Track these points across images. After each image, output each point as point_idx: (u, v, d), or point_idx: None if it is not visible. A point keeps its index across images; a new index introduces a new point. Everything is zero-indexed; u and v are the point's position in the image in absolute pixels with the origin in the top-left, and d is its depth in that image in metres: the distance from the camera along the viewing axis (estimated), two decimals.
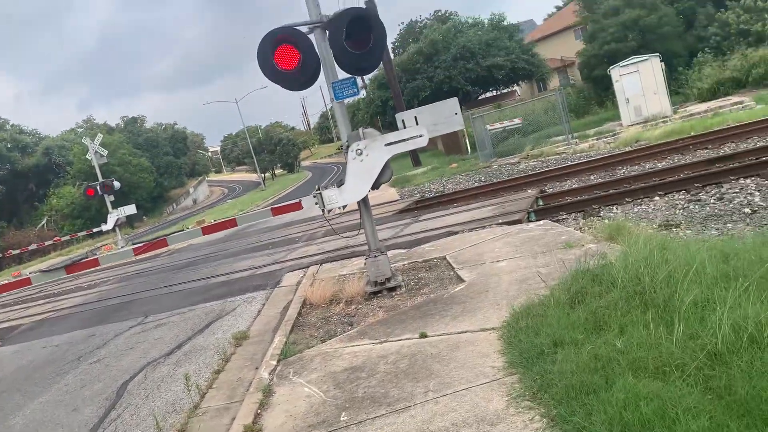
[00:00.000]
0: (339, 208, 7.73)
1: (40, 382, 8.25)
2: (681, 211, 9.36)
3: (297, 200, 8.42)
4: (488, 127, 26.95)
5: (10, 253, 39.67)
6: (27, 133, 67.04)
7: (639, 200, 10.62)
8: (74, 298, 16.39)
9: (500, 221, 10.98)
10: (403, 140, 7.39)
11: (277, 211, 8.96)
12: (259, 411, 4.98)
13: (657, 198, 10.48)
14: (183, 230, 9.18)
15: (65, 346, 10.28)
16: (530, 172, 17.80)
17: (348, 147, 7.45)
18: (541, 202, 12.67)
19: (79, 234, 42.00)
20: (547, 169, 17.29)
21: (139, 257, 24.54)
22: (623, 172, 14.22)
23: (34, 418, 6.73)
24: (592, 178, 14.64)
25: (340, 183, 7.55)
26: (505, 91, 54.26)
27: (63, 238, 41.49)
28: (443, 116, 7.60)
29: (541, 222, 10.06)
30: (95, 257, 9.09)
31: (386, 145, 7.36)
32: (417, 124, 7.45)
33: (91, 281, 19.81)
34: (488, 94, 53.63)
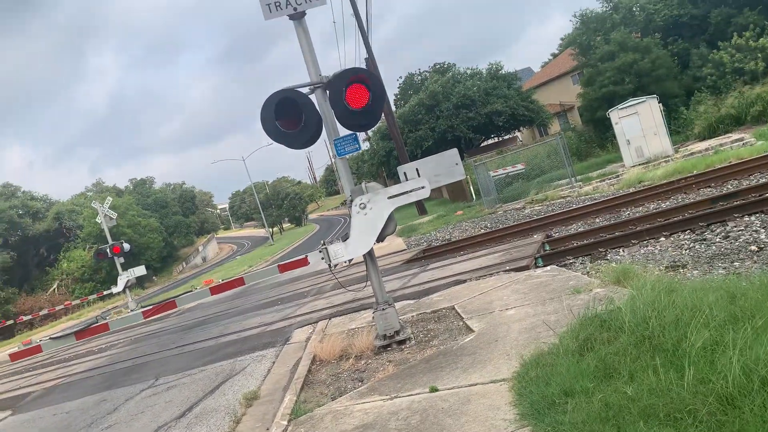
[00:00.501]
0: (345, 262, 7.78)
1: None
2: (687, 251, 9.35)
3: (303, 256, 8.47)
4: (491, 173, 27.19)
5: (21, 319, 39.69)
6: (38, 199, 68.01)
7: (645, 241, 10.62)
8: (85, 363, 16.32)
9: (508, 268, 10.97)
10: (406, 192, 7.50)
11: (283, 268, 8.99)
12: None
13: (663, 239, 10.47)
14: (191, 290, 9.21)
15: (76, 413, 10.20)
16: (535, 217, 17.85)
17: (352, 201, 7.55)
18: (548, 247, 12.67)
19: (90, 297, 42.07)
20: (552, 213, 17.35)
21: (149, 318, 24.46)
22: (628, 214, 14.24)
23: None
24: (597, 220, 14.66)
25: (345, 237, 7.62)
26: (506, 137, 54.85)
27: (74, 302, 41.56)
28: (444, 167, 7.72)
29: (549, 267, 10.05)
30: (105, 322, 9.10)
31: (389, 198, 7.46)
32: (419, 175, 7.56)
33: (101, 345, 19.76)
34: (490, 141, 54.20)
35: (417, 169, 7.62)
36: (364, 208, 7.45)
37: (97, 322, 8.64)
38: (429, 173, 7.61)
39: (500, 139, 54.49)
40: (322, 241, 7.87)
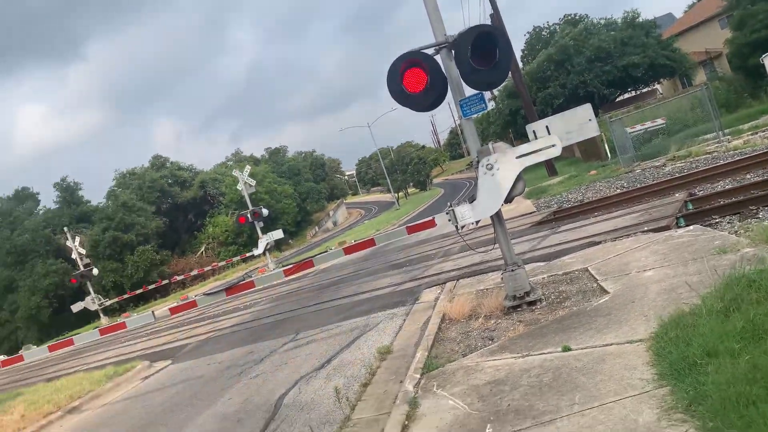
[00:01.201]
0: (472, 224, 7.81)
1: (208, 397, 9.06)
2: None
3: (431, 218, 8.61)
4: (628, 129, 25.65)
5: (175, 279, 43.69)
6: (184, 169, 73.77)
7: None
8: (232, 319, 17.75)
9: (646, 229, 10.46)
10: (535, 151, 7.35)
11: (411, 230, 9.21)
12: (406, 422, 5.17)
13: None
14: (326, 251, 9.72)
15: (227, 363, 11.19)
16: (677, 175, 16.72)
17: (478, 162, 7.53)
18: (690, 206, 11.88)
19: (234, 259, 45.35)
20: (696, 171, 16.16)
21: (288, 278, 26.02)
22: None
23: (204, 430, 7.42)
24: (748, 176, 13.47)
25: (471, 199, 7.64)
26: (645, 90, 51.34)
27: (220, 264, 45.00)
28: (576, 124, 7.45)
29: (691, 227, 9.45)
30: (251, 279, 9.87)
31: (517, 157, 7.35)
32: (549, 133, 7.37)
33: (246, 302, 21.33)
34: (626, 95, 51.04)
35: (547, 127, 7.42)
36: (491, 168, 7.41)
37: (243, 280, 9.37)
38: (560, 131, 7.38)
39: (638, 92, 51.12)
40: (449, 203, 7.95)
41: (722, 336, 4.15)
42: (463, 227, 7.82)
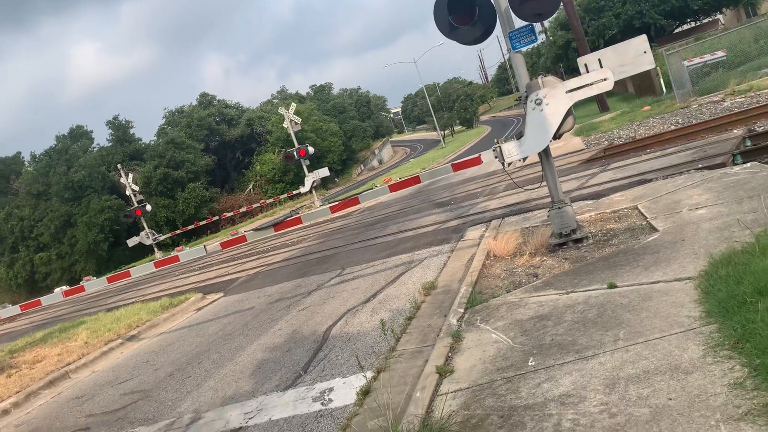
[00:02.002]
0: (519, 160, 7.71)
1: (258, 327, 9.44)
2: None
3: (476, 155, 8.53)
4: (685, 62, 24.43)
5: (225, 215, 44.84)
6: (231, 107, 74.27)
7: None
8: (281, 254, 18.21)
9: (700, 166, 10.14)
10: (586, 85, 7.12)
11: (457, 167, 9.15)
12: (449, 354, 5.30)
13: None
14: (372, 189, 9.78)
15: (276, 296, 11.57)
16: (736, 110, 15.98)
17: (527, 97, 7.36)
18: (749, 143, 11.41)
19: (281, 197, 46.10)
20: (757, 105, 15.39)
21: (334, 215, 26.40)
22: None
23: (255, 358, 7.77)
24: None
25: (519, 135, 7.51)
26: (705, 21, 48.49)
27: (267, 201, 45.87)
28: (630, 56, 7.15)
29: (749, 164, 9.10)
30: (298, 216, 10.08)
31: (567, 92, 7.15)
32: (601, 67, 7.12)
33: (294, 239, 21.79)
34: (685, 26, 48.38)
35: (599, 60, 7.16)
36: (540, 104, 7.24)
37: (291, 216, 9.54)
38: (612, 64, 7.11)
39: (698, 23, 48.35)
40: (495, 140, 7.84)
41: None
42: (509, 164, 7.74)
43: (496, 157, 7.73)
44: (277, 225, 9.75)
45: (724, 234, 5.91)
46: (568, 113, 7.31)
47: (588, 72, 7.15)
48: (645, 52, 7.09)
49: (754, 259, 4.47)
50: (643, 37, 7.21)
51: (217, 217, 44.34)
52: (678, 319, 4.38)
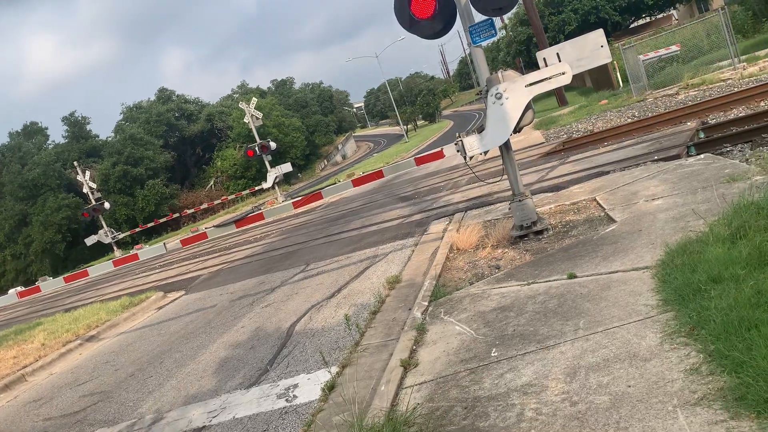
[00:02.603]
0: (481, 154, 7.77)
1: (221, 325, 9.32)
2: None
3: (439, 149, 8.56)
4: (641, 57, 24.96)
5: (185, 213, 44.10)
6: (191, 102, 73.01)
7: None
8: (243, 251, 18.01)
9: (656, 158, 10.38)
10: (545, 79, 7.21)
11: (420, 161, 9.18)
12: (414, 347, 5.32)
13: None
14: (335, 183, 9.74)
15: (239, 293, 11.44)
16: (690, 103, 16.40)
17: (487, 91, 7.42)
18: (702, 135, 11.72)
19: (243, 193, 45.58)
20: (709, 99, 15.82)
21: (297, 211, 26.23)
22: None
23: (218, 356, 7.67)
24: (762, 104, 13.20)
25: (480, 129, 7.57)
26: (659, 16, 49.73)
27: (229, 197, 45.29)
28: (587, 50, 7.26)
29: (702, 156, 9.36)
30: (260, 211, 9.97)
31: (527, 86, 7.23)
32: (559, 60, 7.21)
33: (256, 235, 21.57)
34: (641, 22, 49.48)
35: (558, 54, 7.25)
36: (500, 97, 7.30)
37: (253, 213, 9.44)
38: (570, 58, 7.21)
39: (652, 18, 49.54)
40: (457, 134, 7.88)
41: (728, 262, 4.17)
42: (471, 158, 7.79)
43: (458, 151, 7.78)
44: (239, 221, 9.64)
45: (679, 224, 6.06)
46: (528, 107, 7.39)
47: (547, 66, 7.24)
48: (602, 46, 7.21)
49: (708, 248, 4.59)
50: (600, 32, 7.33)
51: (177, 214, 43.61)
52: (636, 307, 4.48)
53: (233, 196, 45.45)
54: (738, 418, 2.86)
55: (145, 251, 11.73)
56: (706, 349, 3.50)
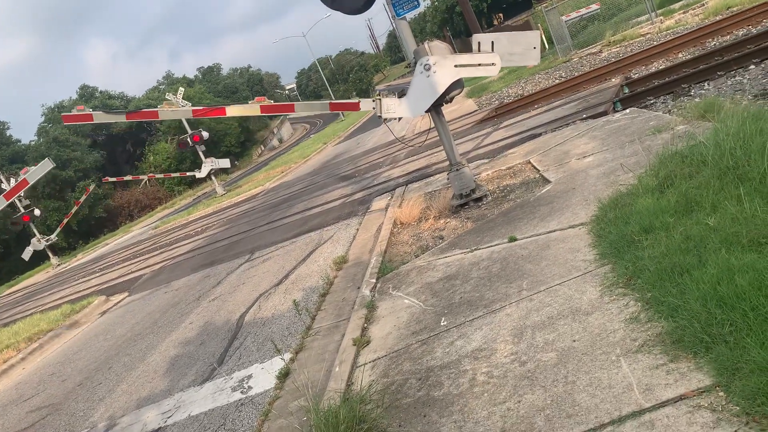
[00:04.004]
0: (395, 119, 7.78)
1: (168, 323, 9.11)
2: None
3: (357, 101, 8.43)
4: (563, 18, 25.47)
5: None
6: (115, 97, 70.26)
7: (732, 72, 9.92)
8: (186, 245, 17.60)
9: (584, 116, 10.64)
10: (474, 65, 7.27)
11: (334, 107, 9.25)
12: (365, 325, 5.33)
13: (752, 66, 9.73)
14: (244, 104, 9.61)
15: (184, 289, 11.20)
16: (613, 60, 16.85)
17: (416, 62, 7.41)
18: (626, 90, 12.09)
19: (173, 174, 44.19)
20: (631, 54, 16.31)
21: (238, 199, 25.80)
22: (714, 44, 13.20)
23: (168, 355, 7.50)
24: (680, 56, 13.71)
25: (401, 93, 7.56)
26: None
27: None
28: (521, 47, 7.33)
29: (628, 110, 9.65)
30: (155, 110, 10.12)
31: (456, 66, 7.26)
32: (492, 50, 7.25)
33: (198, 228, 21.12)
34: None
35: (492, 42, 7.29)
36: (429, 69, 7.30)
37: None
38: (504, 50, 7.27)
39: None
40: (377, 91, 7.87)
41: (657, 212, 4.33)
42: (385, 120, 7.79)
43: (373, 108, 7.76)
44: (129, 114, 9.36)
45: (610, 179, 6.25)
46: (457, 85, 7.44)
47: (480, 51, 7.28)
48: (535, 47, 7.32)
49: (638, 200, 4.75)
50: (537, 34, 7.44)
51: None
52: (575, 263, 4.60)
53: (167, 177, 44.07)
54: (677, 361, 2.99)
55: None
56: (644, 298, 3.63)
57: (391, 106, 7.53)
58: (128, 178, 44.92)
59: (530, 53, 7.30)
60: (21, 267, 47.40)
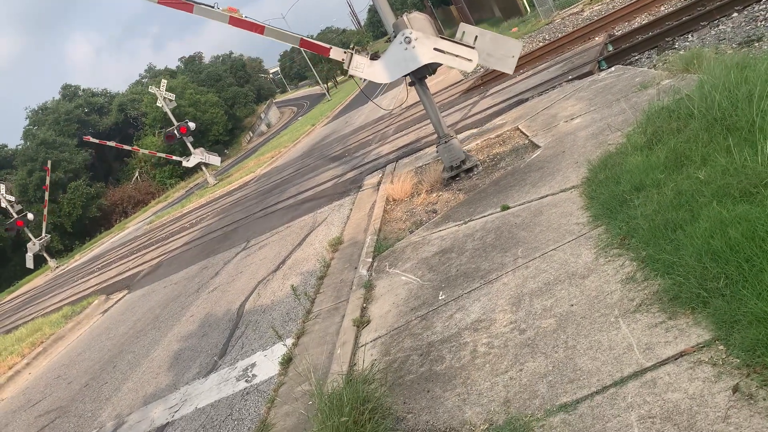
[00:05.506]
0: (361, 79, 7.74)
1: (169, 318, 9.11)
2: (763, 22, 8.60)
3: (328, 47, 8.25)
4: None
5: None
6: (98, 95, 69.51)
7: (716, 21, 9.81)
8: (181, 239, 17.56)
9: (570, 77, 10.56)
10: (452, 55, 7.19)
11: (304, 43, 8.72)
12: (364, 305, 5.32)
13: (735, 14, 9.63)
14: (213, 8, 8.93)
15: (183, 282, 11.19)
16: (596, 18, 16.70)
17: (395, 36, 7.32)
18: (611, 48, 11.97)
19: (160, 154, 43.93)
20: (613, 11, 16.13)
21: (231, 188, 25.71)
22: None
23: (171, 349, 7.51)
24: (662, 9, 13.57)
25: (374, 56, 7.49)
26: None
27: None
28: (500, 52, 7.27)
29: (613, 68, 9.58)
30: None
31: (434, 49, 7.19)
32: (473, 45, 7.16)
33: (192, 220, 21.05)
34: None
35: (476, 37, 7.19)
36: (409, 42, 7.21)
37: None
38: (484, 48, 7.18)
39: None
40: (352, 45, 7.81)
41: (648, 169, 4.30)
42: (350, 77, 7.75)
43: (342, 59, 7.70)
44: None
45: (599, 139, 6.21)
46: (431, 66, 7.42)
47: (462, 41, 7.19)
48: (513, 56, 7.25)
49: (628, 158, 4.71)
50: (519, 45, 7.35)
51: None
52: (569, 227, 4.58)
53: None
54: (675, 317, 2.99)
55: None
56: (639, 257, 3.62)
57: (360, 65, 7.48)
58: (127, 147, 44.58)
59: (507, 60, 7.27)
60: (20, 272, 47.40)
